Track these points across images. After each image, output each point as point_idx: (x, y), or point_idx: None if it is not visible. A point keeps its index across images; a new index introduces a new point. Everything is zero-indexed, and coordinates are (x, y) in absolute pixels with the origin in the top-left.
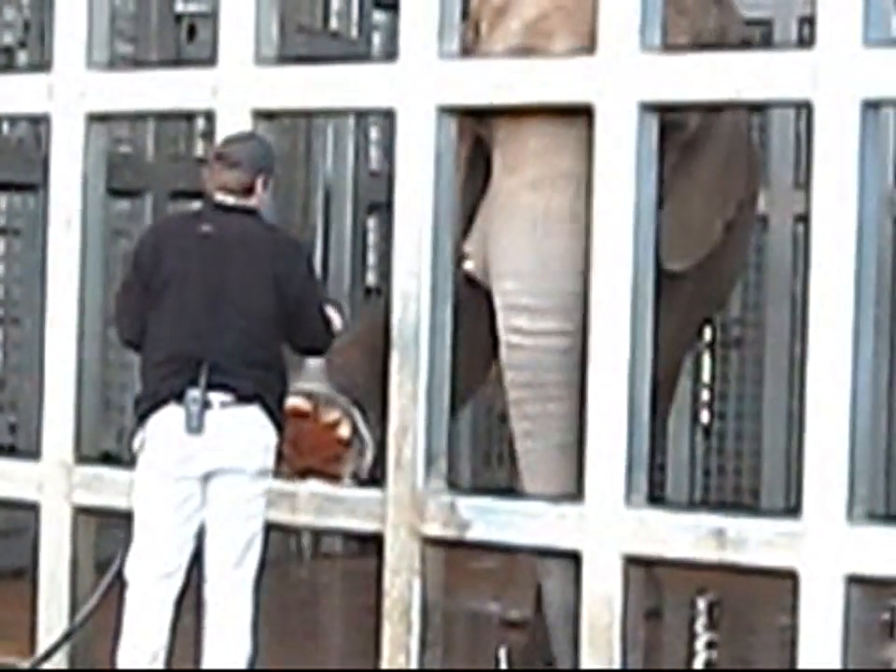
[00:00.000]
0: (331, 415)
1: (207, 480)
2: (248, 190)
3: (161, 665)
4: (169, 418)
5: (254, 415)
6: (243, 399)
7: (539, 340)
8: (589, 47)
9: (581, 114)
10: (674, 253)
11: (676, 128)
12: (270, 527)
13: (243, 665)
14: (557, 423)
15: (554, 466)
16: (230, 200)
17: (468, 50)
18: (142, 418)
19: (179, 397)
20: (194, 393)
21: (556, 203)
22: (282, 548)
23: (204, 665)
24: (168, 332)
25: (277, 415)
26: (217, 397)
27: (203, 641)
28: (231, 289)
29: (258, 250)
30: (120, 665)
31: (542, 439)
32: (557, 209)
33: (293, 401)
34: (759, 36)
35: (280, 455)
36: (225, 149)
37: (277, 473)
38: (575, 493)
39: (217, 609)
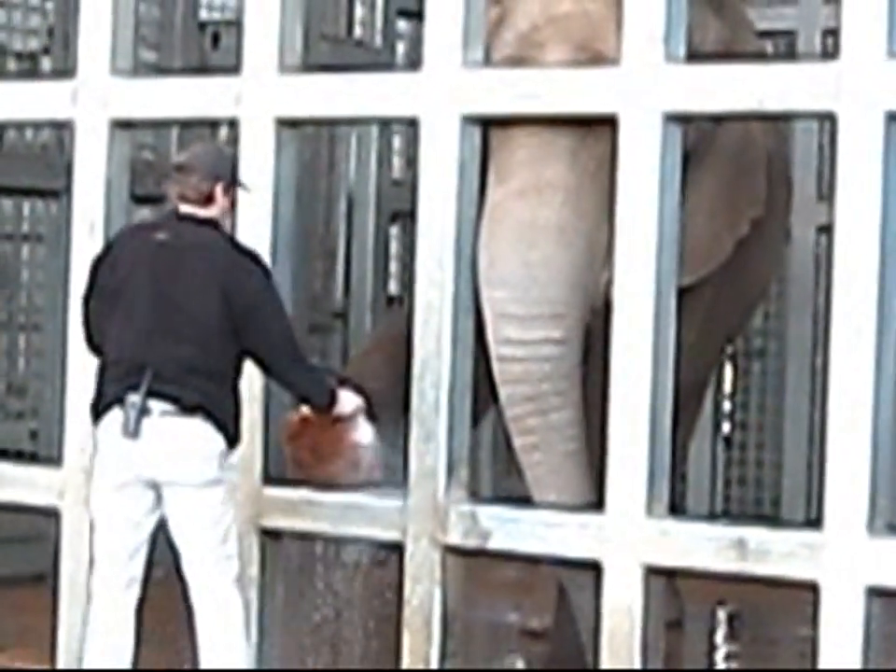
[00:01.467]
0: (349, 420)
1: (157, 490)
2: (207, 199)
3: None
4: (112, 423)
5: (196, 426)
6: (185, 409)
7: (530, 350)
8: (593, 57)
9: (570, 124)
10: (681, 264)
11: None
12: (286, 535)
13: (243, 661)
14: (560, 433)
15: (564, 475)
16: (188, 209)
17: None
18: (96, 420)
19: (122, 401)
20: (133, 398)
21: (543, 212)
22: (303, 556)
23: (203, 663)
24: (116, 337)
25: (226, 425)
26: (158, 405)
27: (197, 651)
28: (181, 297)
29: (210, 260)
30: (95, 657)
31: (548, 450)
32: (544, 218)
33: (307, 409)
34: (783, 47)
35: (299, 462)
36: (182, 159)
37: (296, 480)
38: (596, 502)
39: (206, 617)
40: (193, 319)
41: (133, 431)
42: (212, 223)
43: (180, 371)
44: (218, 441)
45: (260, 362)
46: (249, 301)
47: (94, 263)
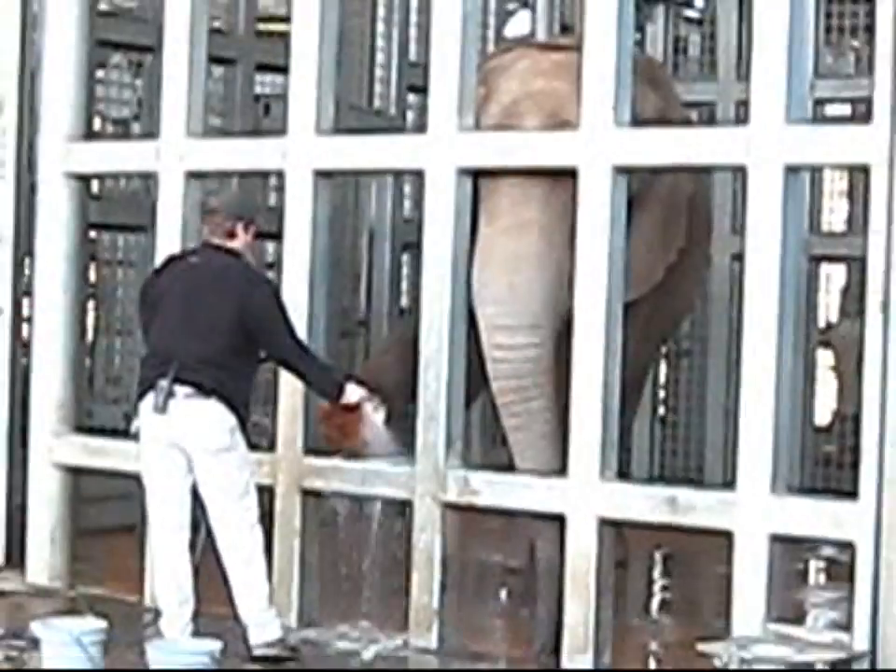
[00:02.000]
0: (369, 405)
1: (186, 455)
2: (230, 234)
3: (188, 599)
4: (147, 402)
5: (212, 406)
6: (203, 392)
7: (515, 352)
8: (560, 123)
9: (542, 175)
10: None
11: None
12: (321, 494)
13: (264, 594)
14: (538, 416)
15: (539, 450)
16: (215, 240)
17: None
18: (136, 405)
19: (154, 386)
20: (162, 383)
21: (523, 244)
22: (332, 510)
23: (235, 595)
24: (153, 336)
25: (236, 405)
26: (181, 389)
27: (230, 580)
28: (203, 307)
29: (228, 279)
30: (158, 600)
31: (528, 430)
32: (523, 250)
33: (342, 400)
34: (705, 115)
35: (330, 438)
36: (211, 203)
37: (329, 452)
38: (560, 469)
39: (232, 552)
40: (211, 324)
41: (161, 409)
42: (234, 253)
43: (200, 363)
44: (230, 417)
45: (276, 361)
46: (259, 312)
47: (144, 284)
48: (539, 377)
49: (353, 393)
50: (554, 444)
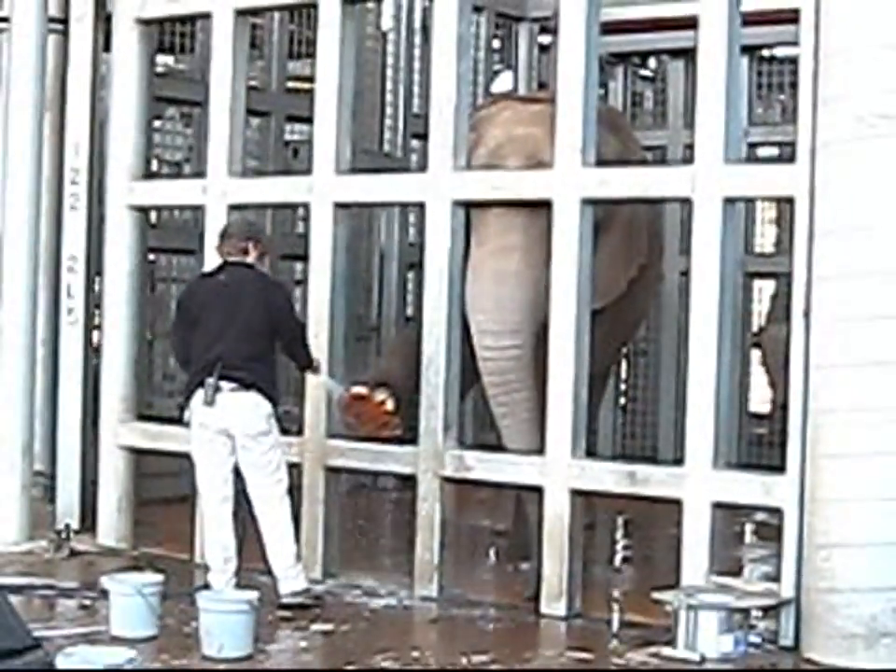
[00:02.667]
0: (380, 396)
1: (231, 439)
2: (244, 252)
3: (232, 558)
4: (198, 397)
5: (251, 396)
6: (244, 385)
7: (501, 353)
8: (538, 164)
9: (523, 206)
10: (592, 296)
11: None
12: (341, 470)
13: (292, 552)
14: (521, 406)
15: (522, 433)
16: (233, 259)
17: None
18: (187, 399)
19: (202, 383)
20: (210, 380)
21: (508, 265)
22: (350, 484)
23: (268, 552)
24: (199, 345)
25: (271, 393)
26: (226, 384)
27: (263, 540)
28: (237, 315)
29: (255, 289)
30: (207, 558)
31: (512, 417)
32: (508, 269)
33: (356, 389)
34: (659, 156)
35: (349, 424)
36: (225, 228)
37: (348, 435)
38: (539, 449)
39: (265, 517)
40: (248, 327)
41: (210, 401)
42: (249, 266)
43: (239, 361)
44: (266, 405)
45: (283, 346)
46: (280, 312)
47: (179, 301)
48: (521, 373)
49: (317, 362)
50: (535, 428)
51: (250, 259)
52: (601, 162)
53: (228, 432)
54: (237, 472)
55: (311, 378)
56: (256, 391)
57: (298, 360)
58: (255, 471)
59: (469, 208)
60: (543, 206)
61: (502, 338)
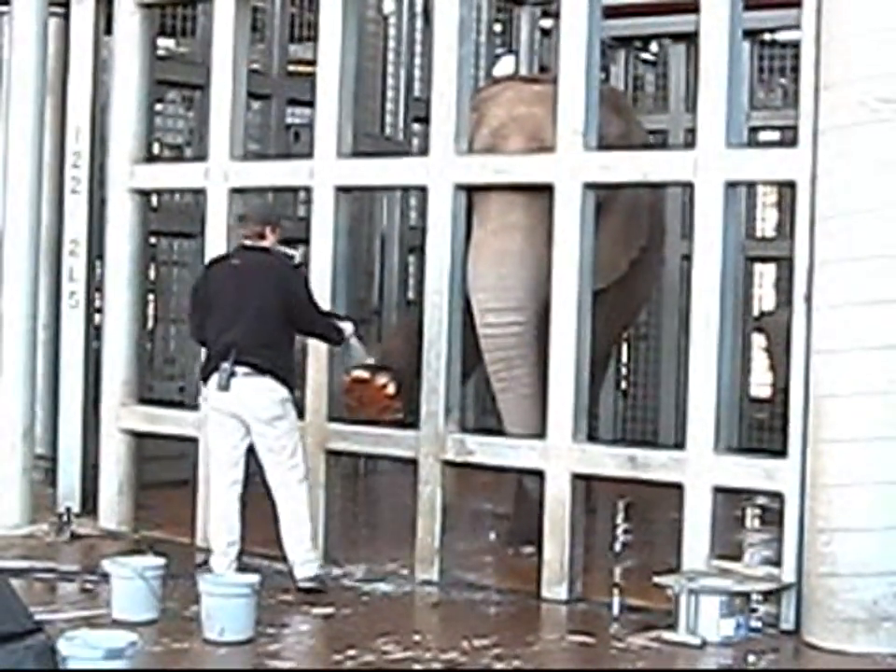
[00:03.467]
0: (381, 380)
1: (245, 424)
2: (260, 236)
3: (236, 542)
4: (213, 382)
5: (265, 382)
6: (259, 370)
7: (503, 329)
8: (542, 146)
9: (527, 189)
10: (593, 277)
11: None
12: (343, 454)
13: (309, 538)
14: (521, 382)
15: (522, 410)
16: (249, 242)
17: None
18: (204, 381)
19: (217, 368)
20: (224, 365)
21: (508, 243)
22: (352, 467)
23: (283, 537)
24: (214, 328)
25: (287, 378)
26: (240, 369)
27: (280, 525)
28: (251, 299)
29: (269, 273)
30: (210, 540)
31: (512, 392)
32: (510, 248)
33: (357, 373)
34: (661, 140)
35: (350, 408)
36: (242, 211)
37: (349, 419)
38: (540, 433)
39: (282, 502)
40: (261, 312)
41: (224, 386)
42: (266, 250)
43: (254, 346)
44: (281, 390)
45: (306, 333)
46: (296, 295)
47: (195, 285)
48: (523, 349)
49: (347, 328)
50: (535, 405)
51: (267, 243)
52: (603, 147)
53: (241, 417)
54: (253, 458)
55: (312, 361)
56: (271, 376)
57: (329, 341)
58: (271, 456)
59: (472, 191)
60: (544, 190)
61: (504, 314)
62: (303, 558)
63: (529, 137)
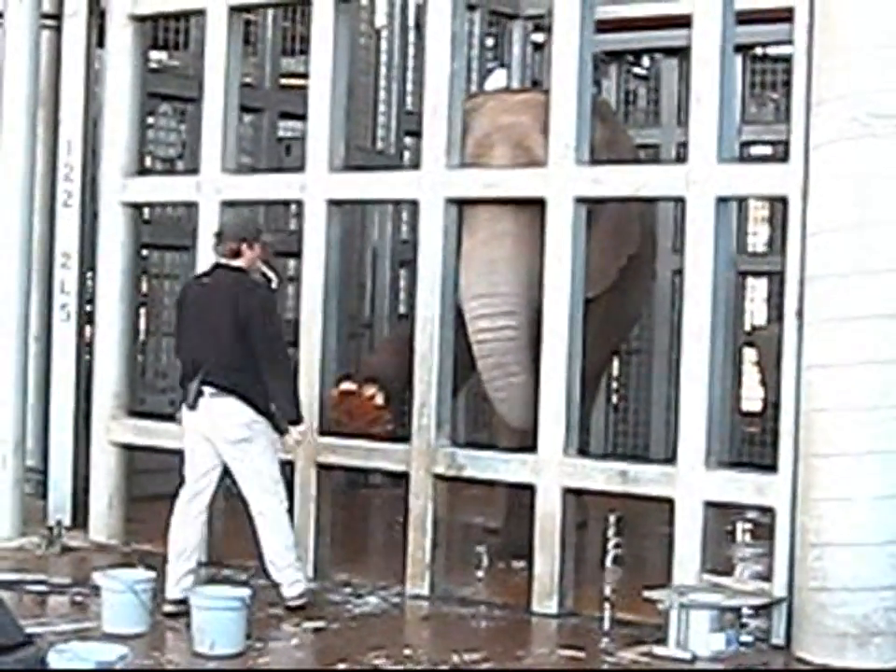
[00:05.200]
0: (369, 391)
1: (216, 448)
2: (235, 253)
3: (190, 557)
4: (185, 400)
5: (230, 403)
6: (223, 390)
7: (496, 334)
8: (528, 154)
9: (515, 202)
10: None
11: None
12: (334, 467)
13: (291, 561)
14: (518, 389)
15: (522, 410)
16: (223, 261)
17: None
18: (181, 401)
19: (186, 388)
20: (192, 385)
21: (498, 251)
22: (342, 481)
23: (268, 566)
24: (185, 348)
25: (252, 399)
26: (207, 389)
27: (262, 551)
28: (213, 320)
29: (229, 294)
30: (169, 565)
31: (511, 400)
32: (499, 255)
33: (344, 385)
34: (652, 154)
35: (339, 421)
36: (217, 228)
37: (339, 432)
38: (531, 447)
39: (264, 530)
40: (220, 333)
41: (192, 405)
42: (240, 270)
43: (220, 367)
44: (248, 412)
45: (260, 355)
46: (246, 311)
47: (176, 301)
48: (517, 355)
49: (298, 433)
50: (531, 412)
51: (242, 262)
52: (595, 161)
53: (211, 439)
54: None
55: (301, 375)
56: (236, 397)
57: (276, 403)
58: (243, 481)
59: (462, 205)
60: (535, 203)
61: (497, 319)
62: (291, 579)
63: (515, 145)
